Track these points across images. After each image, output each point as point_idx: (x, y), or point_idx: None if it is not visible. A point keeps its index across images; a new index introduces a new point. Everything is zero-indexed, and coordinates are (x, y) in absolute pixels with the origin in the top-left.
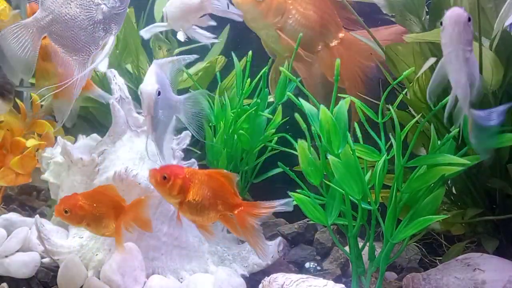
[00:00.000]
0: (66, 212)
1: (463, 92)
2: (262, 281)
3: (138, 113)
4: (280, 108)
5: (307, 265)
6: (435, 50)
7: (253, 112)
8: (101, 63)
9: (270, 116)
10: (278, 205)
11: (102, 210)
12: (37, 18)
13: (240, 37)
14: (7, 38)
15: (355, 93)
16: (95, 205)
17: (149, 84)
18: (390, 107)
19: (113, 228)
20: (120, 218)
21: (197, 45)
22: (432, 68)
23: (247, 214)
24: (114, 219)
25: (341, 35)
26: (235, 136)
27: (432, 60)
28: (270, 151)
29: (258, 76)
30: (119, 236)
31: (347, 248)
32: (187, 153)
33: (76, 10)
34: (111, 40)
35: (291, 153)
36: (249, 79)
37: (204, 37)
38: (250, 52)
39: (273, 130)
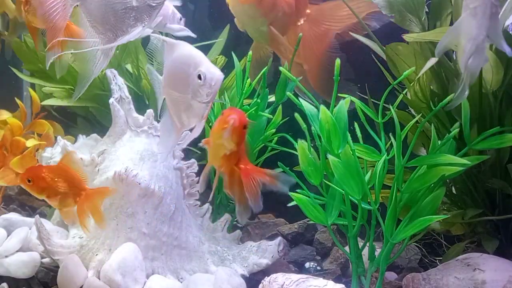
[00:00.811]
0: (29, 181)
1: (476, 46)
2: (262, 281)
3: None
4: (280, 108)
5: (307, 265)
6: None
7: (253, 112)
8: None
9: (270, 116)
10: (277, 176)
11: (64, 186)
12: None
13: (240, 37)
14: None
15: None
16: (57, 179)
17: (215, 68)
18: (390, 106)
19: (72, 205)
20: (82, 200)
21: (197, 45)
22: (432, 69)
23: (252, 171)
24: (73, 197)
25: (307, 11)
26: None
27: (433, 60)
28: (270, 151)
29: (258, 76)
30: (82, 218)
31: (347, 248)
32: (187, 153)
33: None
34: (138, 29)
35: (291, 153)
36: (249, 79)
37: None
38: (250, 52)
39: (273, 130)
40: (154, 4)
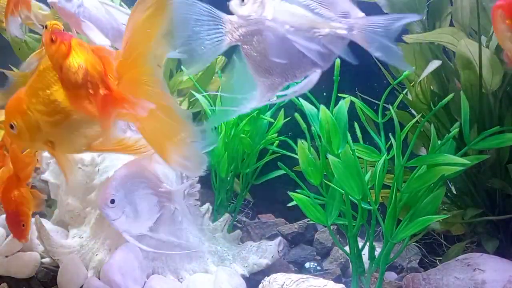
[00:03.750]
0: None
1: None
2: (262, 281)
3: None
4: (282, 112)
5: (307, 265)
6: (436, 50)
7: (254, 114)
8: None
9: (272, 120)
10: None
11: None
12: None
13: None
14: (194, 15)
15: None
16: None
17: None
18: (390, 107)
19: None
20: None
21: None
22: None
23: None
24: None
25: None
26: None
27: (435, 63)
28: (271, 154)
29: None
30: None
31: (347, 248)
32: None
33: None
34: (315, 76)
35: (291, 153)
36: None
37: None
38: None
39: (275, 135)
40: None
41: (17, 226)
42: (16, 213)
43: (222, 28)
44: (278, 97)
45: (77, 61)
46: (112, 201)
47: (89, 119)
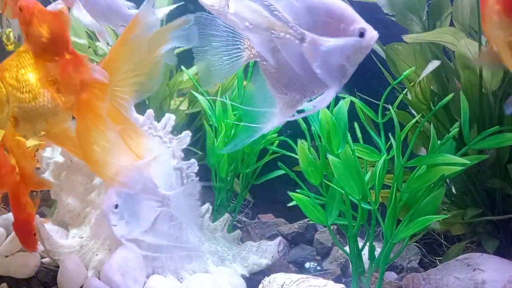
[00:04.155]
0: None
1: None
2: (262, 281)
3: None
4: None
5: (307, 265)
6: (436, 50)
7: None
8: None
9: None
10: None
11: None
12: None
13: None
14: (213, 31)
15: None
16: None
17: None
18: (390, 107)
19: None
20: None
21: None
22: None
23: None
24: None
25: None
26: None
27: (435, 63)
28: (271, 154)
29: None
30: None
31: (347, 248)
32: (187, 153)
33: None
34: (331, 94)
35: (292, 153)
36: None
37: None
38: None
39: (275, 135)
40: (351, 65)
41: (28, 236)
42: (27, 222)
43: (241, 44)
44: (297, 112)
45: (39, 28)
46: (116, 206)
47: (54, 106)
